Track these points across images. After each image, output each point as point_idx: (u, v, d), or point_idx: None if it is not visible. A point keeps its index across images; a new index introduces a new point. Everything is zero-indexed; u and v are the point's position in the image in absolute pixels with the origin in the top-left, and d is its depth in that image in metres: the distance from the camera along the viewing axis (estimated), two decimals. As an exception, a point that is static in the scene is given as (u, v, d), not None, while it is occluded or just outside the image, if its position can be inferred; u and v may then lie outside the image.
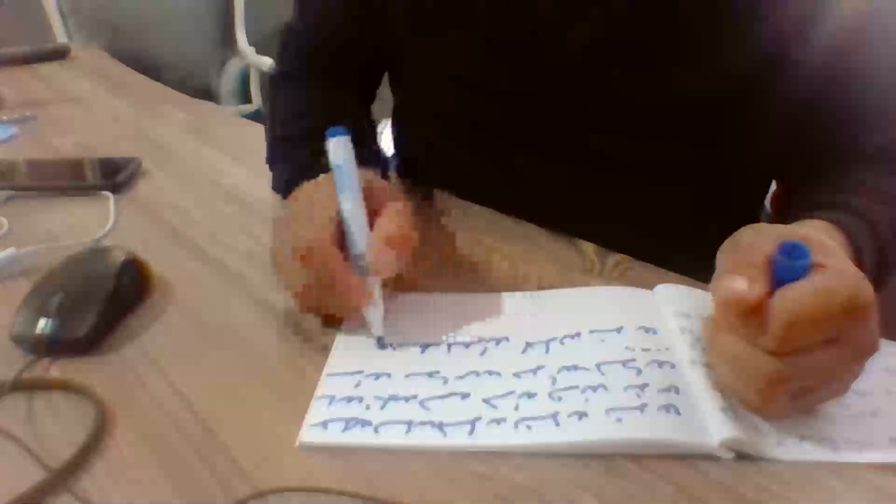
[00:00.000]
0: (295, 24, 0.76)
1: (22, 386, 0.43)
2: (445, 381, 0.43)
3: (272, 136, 0.70)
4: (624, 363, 0.43)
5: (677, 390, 0.40)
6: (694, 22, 0.56)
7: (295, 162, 0.62)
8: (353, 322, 0.48)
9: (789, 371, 0.36)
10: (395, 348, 0.46)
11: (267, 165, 0.70)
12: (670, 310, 0.47)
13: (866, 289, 0.36)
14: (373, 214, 0.48)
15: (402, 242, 0.46)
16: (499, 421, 0.39)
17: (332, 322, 0.48)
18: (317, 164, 0.50)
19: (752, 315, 0.36)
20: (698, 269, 0.44)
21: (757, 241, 0.39)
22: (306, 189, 0.51)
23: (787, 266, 0.37)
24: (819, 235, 0.39)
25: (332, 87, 0.73)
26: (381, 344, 0.46)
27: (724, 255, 0.40)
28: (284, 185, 0.59)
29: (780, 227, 0.41)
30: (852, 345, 0.36)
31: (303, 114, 0.70)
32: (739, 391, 0.39)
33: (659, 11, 0.56)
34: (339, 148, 0.46)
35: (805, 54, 0.55)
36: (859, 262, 0.46)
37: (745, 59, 0.56)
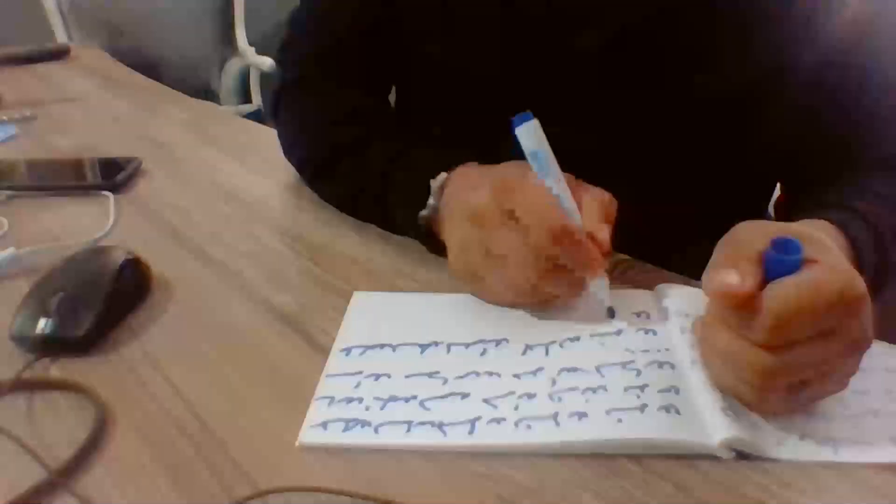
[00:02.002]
0: (303, 25, 0.74)
1: (22, 386, 0.43)
2: (445, 381, 0.43)
3: (321, 147, 0.67)
4: (623, 365, 0.43)
5: (677, 390, 0.40)
6: (706, 26, 0.56)
7: (381, 166, 0.60)
8: (575, 297, 0.48)
9: (781, 364, 0.36)
10: (617, 318, 0.47)
11: (313, 181, 0.69)
12: (670, 310, 0.47)
13: (858, 283, 0.36)
14: None
15: (612, 215, 0.47)
16: (499, 421, 0.39)
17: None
18: (409, 165, 0.53)
19: (743, 309, 0.36)
20: (698, 269, 0.44)
21: (751, 236, 0.39)
22: (508, 180, 0.48)
23: (779, 261, 0.37)
24: (813, 232, 0.39)
25: (358, 87, 0.71)
26: (612, 313, 0.47)
27: (718, 250, 0.40)
28: (374, 188, 0.59)
29: (773, 223, 0.41)
30: (844, 338, 0.36)
31: (347, 119, 0.67)
32: (733, 387, 0.39)
33: (673, 14, 0.56)
34: (533, 133, 0.46)
35: (814, 60, 0.55)
36: (858, 262, 0.46)
37: (754, 65, 0.56)
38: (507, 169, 0.49)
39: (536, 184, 0.46)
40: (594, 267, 0.45)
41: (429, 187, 0.54)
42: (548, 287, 0.46)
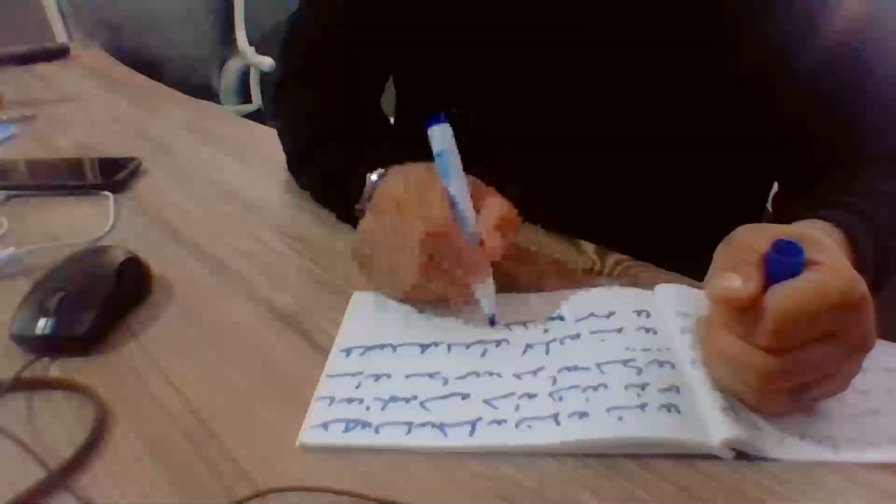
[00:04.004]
0: (301, 20, 0.75)
1: (22, 386, 0.43)
2: (446, 381, 0.43)
3: (297, 140, 0.70)
4: (624, 363, 0.43)
5: (678, 390, 0.40)
6: (703, 18, 0.56)
7: (339, 162, 0.62)
8: (461, 303, 0.48)
9: (785, 367, 0.36)
10: (502, 325, 0.47)
11: (288, 168, 0.71)
12: (670, 310, 0.47)
13: (859, 284, 0.36)
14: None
15: (510, 226, 0.48)
16: (499, 421, 0.39)
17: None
18: (361, 160, 0.53)
19: (746, 312, 0.36)
20: (699, 269, 0.44)
21: (752, 239, 0.39)
22: (403, 175, 0.51)
23: (781, 263, 0.37)
24: (814, 233, 0.39)
25: (344, 85, 0.72)
26: (493, 321, 0.47)
27: (719, 254, 0.40)
28: (331, 182, 0.62)
29: (774, 225, 0.41)
30: (847, 340, 0.36)
31: (325, 114, 0.70)
32: (735, 389, 0.39)
33: (671, 8, 0.56)
34: (441, 135, 0.47)
35: (813, 54, 0.55)
36: (859, 261, 0.46)
37: (752, 58, 0.56)
38: (423, 168, 0.51)
39: (436, 184, 0.47)
40: (472, 270, 0.46)
41: (366, 181, 0.55)
42: (430, 285, 0.47)
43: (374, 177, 0.55)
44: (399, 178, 0.52)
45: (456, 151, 0.47)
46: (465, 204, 0.47)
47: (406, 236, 0.46)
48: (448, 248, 0.45)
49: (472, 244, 0.47)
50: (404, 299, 0.50)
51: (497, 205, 0.48)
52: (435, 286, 0.47)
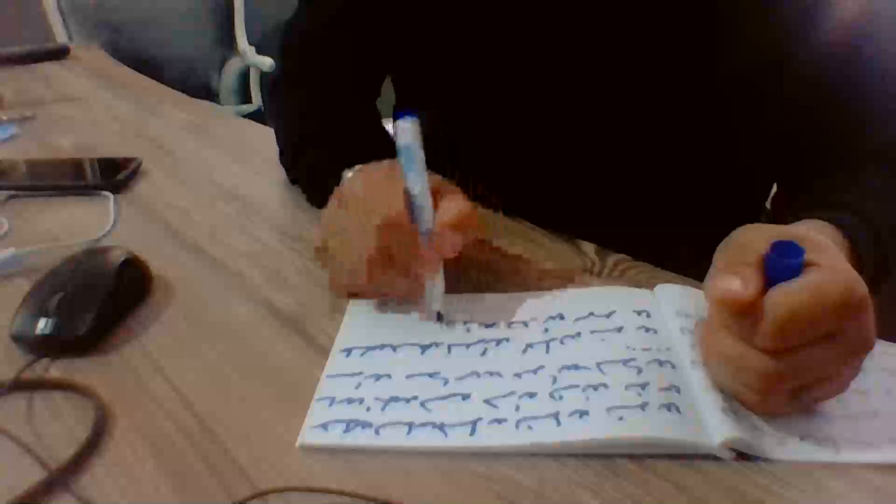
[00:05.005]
0: (298, 22, 0.75)
1: (22, 386, 0.43)
2: (446, 381, 0.43)
3: (287, 137, 0.71)
4: (624, 362, 0.43)
5: (678, 390, 0.40)
6: (703, 15, 0.56)
7: (321, 159, 0.63)
8: (412, 298, 0.49)
9: (784, 369, 0.36)
10: (445, 325, 0.48)
11: (280, 164, 0.71)
12: (670, 310, 0.47)
13: (859, 285, 0.36)
14: (434, 199, 0.49)
15: (467, 224, 0.48)
16: (500, 421, 0.39)
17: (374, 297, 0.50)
18: (338, 158, 0.54)
19: (746, 314, 0.36)
20: (698, 269, 0.44)
21: (751, 240, 0.39)
22: (375, 170, 0.52)
23: (781, 265, 0.37)
24: (814, 234, 0.39)
25: (337, 86, 0.73)
26: (440, 318, 0.48)
27: (718, 255, 0.40)
28: (313, 178, 0.63)
29: (774, 226, 0.41)
30: (847, 341, 0.36)
31: (313, 113, 0.70)
32: (736, 390, 0.39)
33: (673, 5, 0.56)
34: (408, 130, 0.47)
35: (812, 52, 0.55)
36: (857, 261, 0.46)
37: (751, 57, 0.56)
38: (388, 163, 0.52)
39: (397, 178, 0.47)
40: (421, 263, 0.47)
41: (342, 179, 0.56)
42: (380, 276, 0.47)
43: (349, 174, 0.55)
44: (366, 171, 0.53)
45: (420, 147, 0.47)
46: (424, 199, 0.47)
47: (361, 227, 0.47)
48: (400, 241, 0.46)
49: (425, 239, 0.47)
50: (357, 291, 0.50)
51: (455, 202, 0.48)
52: (386, 278, 0.48)
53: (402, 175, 0.47)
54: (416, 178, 0.47)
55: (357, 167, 0.55)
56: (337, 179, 0.55)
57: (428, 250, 0.47)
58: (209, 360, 0.46)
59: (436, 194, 0.48)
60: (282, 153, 0.72)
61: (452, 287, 0.52)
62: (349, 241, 0.48)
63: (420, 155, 0.47)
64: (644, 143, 0.62)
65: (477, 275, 0.55)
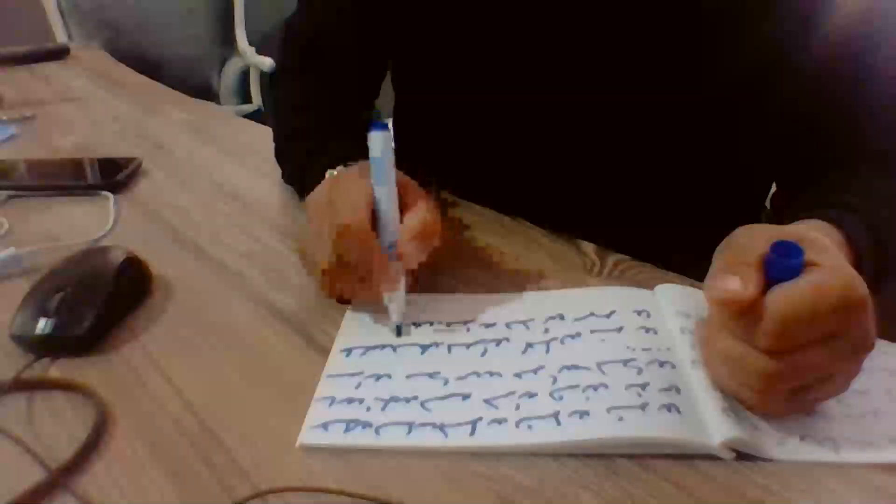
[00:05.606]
0: (298, 20, 0.76)
1: (22, 386, 0.43)
2: (446, 381, 0.43)
3: (279, 131, 0.72)
4: (625, 362, 0.43)
5: (678, 390, 0.40)
6: (700, 21, 0.56)
7: (308, 155, 0.64)
8: (368, 303, 0.49)
9: (784, 369, 0.36)
10: (410, 333, 0.48)
11: (275, 160, 0.72)
12: (670, 310, 0.47)
13: (860, 286, 0.36)
14: (402, 208, 0.49)
15: (430, 236, 0.48)
16: (500, 421, 0.39)
17: (346, 302, 0.51)
18: (323, 154, 0.54)
19: (746, 314, 0.36)
20: (698, 269, 0.44)
21: (751, 240, 0.39)
22: (345, 175, 0.53)
23: (781, 265, 0.37)
24: (813, 234, 0.39)
25: (334, 83, 0.73)
26: (399, 331, 0.47)
27: (718, 255, 0.40)
28: (300, 175, 0.63)
29: (774, 226, 0.41)
30: (847, 342, 0.36)
31: (306, 107, 0.71)
32: (736, 391, 0.39)
33: (668, 9, 0.56)
34: (379, 141, 0.47)
35: (809, 55, 0.55)
36: (857, 261, 0.46)
37: (749, 60, 0.56)
38: (358, 168, 0.52)
39: (367, 185, 0.48)
40: (382, 277, 0.46)
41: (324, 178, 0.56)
42: (338, 282, 0.48)
43: (335, 172, 0.55)
44: (337, 176, 0.54)
45: (391, 158, 0.48)
46: (389, 211, 0.47)
47: (323, 233, 0.47)
48: (359, 250, 0.46)
49: (388, 250, 0.47)
50: (322, 292, 0.51)
51: (420, 212, 0.48)
52: (345, 286, 0.48)
53: (370, 183, 0.47)
54: (384, 189, 0.47)
55: (339, 168, 0.55)
56: (321, 179, 0.55)
57: (390, 262, 0.46)
58: (209, 360, 0.46)
59: (402, 197, 0.49)
60: (275, 149, 0.73)
61: (452, 287, 0.52)
62: (312, 244, 0.49)
63: (390, 166, 0.47)
64: (644, 143, 0.62)
65: (476, 275, 0.55)
